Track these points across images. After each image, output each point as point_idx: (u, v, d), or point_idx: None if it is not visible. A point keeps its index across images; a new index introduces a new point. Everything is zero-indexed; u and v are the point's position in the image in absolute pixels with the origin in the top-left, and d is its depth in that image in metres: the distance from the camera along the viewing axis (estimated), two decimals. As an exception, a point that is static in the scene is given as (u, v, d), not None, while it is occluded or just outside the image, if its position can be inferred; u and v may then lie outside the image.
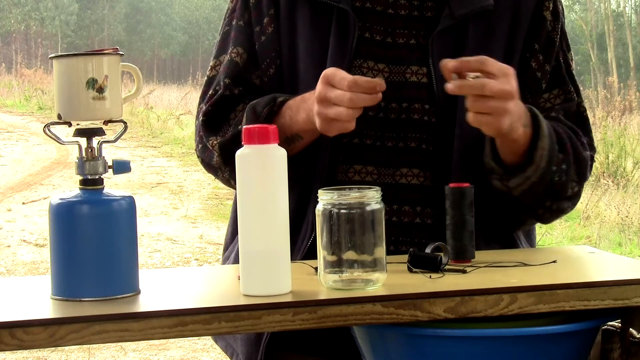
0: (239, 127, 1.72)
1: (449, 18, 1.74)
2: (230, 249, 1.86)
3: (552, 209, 1.76)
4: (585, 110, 1.85)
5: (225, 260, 1.86)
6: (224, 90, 1.79)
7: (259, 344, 1.69)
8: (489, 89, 1.55)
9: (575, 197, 1.78)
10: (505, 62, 1.75)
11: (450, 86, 1.56)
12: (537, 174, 1.68)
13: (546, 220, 1.79)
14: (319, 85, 1.60)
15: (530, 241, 1.87)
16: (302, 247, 1.72)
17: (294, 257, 1.66)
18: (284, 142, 1.66)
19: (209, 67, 1.86)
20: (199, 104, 1.85)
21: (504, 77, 1.57)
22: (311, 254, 1.61)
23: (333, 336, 1.68)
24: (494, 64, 1.57)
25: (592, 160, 1.82)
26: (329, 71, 1.60)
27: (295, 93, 1.75)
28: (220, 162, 1.77)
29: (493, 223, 1.76)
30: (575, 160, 1.74)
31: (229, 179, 1.78)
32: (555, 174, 1.71)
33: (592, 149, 1.82)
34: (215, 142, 1.77)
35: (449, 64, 1.56)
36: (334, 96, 1.58)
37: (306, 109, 1.67)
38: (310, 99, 1.66)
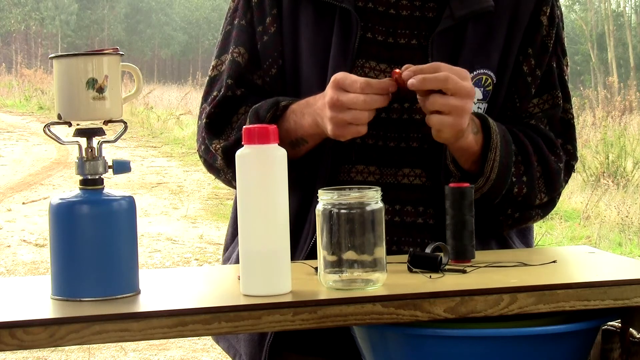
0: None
1: (450, 19, 1.74)
2: (231, 250, 1.85)
3: (514, 217, 1.76)
4: (573, 117, 1.85)
5: (226, 261, 1.86)
6: (227, 91, 1.79)
7: (262, 344, 1.69)
8: (452, 83, 1.55)
9: (546, 206, 1.78)
10: (501, 64, 1.76)
11: (414, 81, 1.55)
12: (488, 185, 1.68)
13: (510, 227, 1.78)
14: (330, 91, 1.59)
15: (527, 241, 1.87)
16: (304, 248, 1.71)
17: (296, 257, 1.67)
18: (288, 145, 1.65)
19: (211, 67, 1.86)
20: (202, 103, 1.84)
21: (463, 79, 1.57)
22: (313, 255, 1.61)
23: (333, 336, 1.68)
24: (447, 67, 1.56)
25: (571, 168, 1.82)
26: (339, 76, 1.59)
27: (298, 93, 1.75)
28: (224, 165, 1.76)
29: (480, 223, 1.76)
30: (543, 172, 1.74)
31: (232, 180, 1.77)
32: (514, 185, 1.71)
33: (573, 157, 1.81)
34: (218, 145, 1.76)
35: (403, 72, 1.56)
36: (347, 100, 1.57)
37: (312, 113, 1.66)
38: (316, 104, 1.65)
